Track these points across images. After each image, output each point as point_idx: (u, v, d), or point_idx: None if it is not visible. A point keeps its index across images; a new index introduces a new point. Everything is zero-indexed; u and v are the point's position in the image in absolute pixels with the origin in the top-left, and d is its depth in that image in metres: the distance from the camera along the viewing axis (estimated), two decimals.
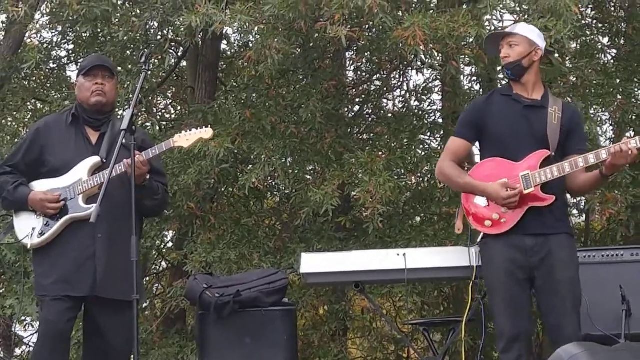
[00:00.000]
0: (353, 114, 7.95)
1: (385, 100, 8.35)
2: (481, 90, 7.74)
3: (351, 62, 8.10)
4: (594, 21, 7.44)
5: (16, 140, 7.73)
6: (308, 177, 7.17)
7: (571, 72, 6.59)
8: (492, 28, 5.88)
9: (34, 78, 8.26)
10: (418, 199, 7.38)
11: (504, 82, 4.27)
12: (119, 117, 4.29)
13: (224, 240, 6.78)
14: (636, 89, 7.08)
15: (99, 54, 6.25)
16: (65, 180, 4.08)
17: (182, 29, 6.43)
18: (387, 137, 7.23)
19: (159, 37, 7.13)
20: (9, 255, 6.70)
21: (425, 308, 7.92)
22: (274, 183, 7.64)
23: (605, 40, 7.48)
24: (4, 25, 7.91)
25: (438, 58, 6.44)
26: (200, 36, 6.43)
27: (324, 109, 6.63)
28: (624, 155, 3.82)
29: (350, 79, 8.20)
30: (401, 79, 8.11)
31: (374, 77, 8.13)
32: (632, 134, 6.70)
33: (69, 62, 8.26)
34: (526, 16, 5.91)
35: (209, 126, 4.23)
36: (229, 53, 8.93)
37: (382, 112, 8.06)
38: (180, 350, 7.12)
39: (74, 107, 4.23)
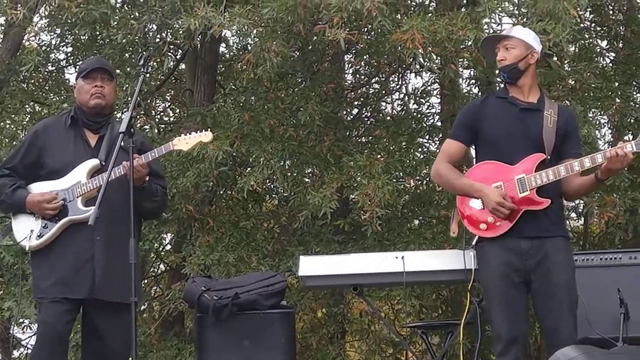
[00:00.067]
0: (352, 116, 7.95)
1: (383, 103, 8.36)
2: (480, 94, 7.73)
3: (350, 65, 8.10)
4: (593, 24, 7.44)
5: (14, 142, 7.73)
6: (307, 180, 7.17)
7: (570, 76, 6.59)
8: (491, 31, 5.88)
9: (33, 81, 8.25)
10: (416, 202, 7.38)
11: (502, 85, 4.27)
12: (117, 119, 4.28)
13: (222, 242, 6.77)
14: (635, 92, 7.09)
15: (98, 57, 6.24)
16: (64, 183, 4.08)
17: (181, 32, 6.42)
18: (386, 140, 7.23)
19: (157, 40, 7.13)
20: (7, 257, 6.70)
21: (424, 311, 7.92)
22: (272, 186, 7.64)
23: (604, 44, 7.49)
24: (3, 27, 7.91)
25: (437, 61, 6.45)
26: (198, 39, 6.43)
27: (323, 111, 6.63)
28: (619, 159, 3.83)
29: (349, 81, 8.20)
30: (400, 82, 8.12)
31: (373, 80, 8.13)
32: (631, 137, 6.71)
33: (67, 64, 8.25)
34: (525, 19, 5.92)
35: (209, 129, 4.24)
36: (227, 56, 8.93)
37: (381, 115, 8.06)
38: (178, 353, 7.11)
39: (72, 109, 4.24)
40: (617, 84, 6.85)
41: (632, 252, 4.75)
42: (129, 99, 6.32)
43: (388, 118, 7.88)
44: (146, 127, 7.64)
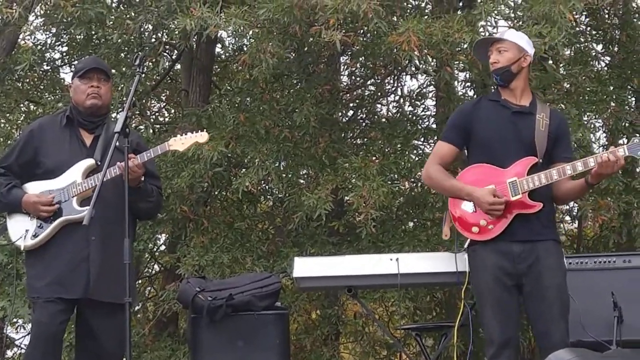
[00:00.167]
0: (347, 118, 7.96)
1: (379, 105, 8.36)
2: (475, 96, 7.75)
3: (345, 66, 8.10)
4: (588, 28, 7.46)
5: (9, 142, 7.70)
6: (301, 181, 7.17)
7: (565, 79, 6.61)
8: (487, 34, 5.89)
9: (28, 80, 8.23)
10: (411, 204, 7.38)
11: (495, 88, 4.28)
12: (113, 119, 4.28)
13: (217, 243, 6.77)
14: (629, 96, 7.11)
15: (94, 57, 6.23)
16: (60, 183, 4.08)
17: (177, 32, 6.42)
18: (381, 142, 7.23)
19: (153, 40, 7.13)
20: (1, 256, 6.68)
21: (418, 313, 7.92)
22: (267, 187, 7.64)
23: (599, 48, 7.51)
24: None
25: (432, 63, 6.45)
26: (194, 39, 6.42)
27: (318, 113, 6.63)
28: (611, 164, 3.83)
29: (345, 83, 8.20)
30: (395, 84, 8.12)
31: (368, 82, 8.14)
32: (625, 141, 6.72)
33: (62, 64, 8.24)
34: (520, 22, 5.93)
35: (204, 130, 4.23)
36: (223, 56, 8.93)
37: (376, 117, 8.06)
38: (172, 354, 7.10)
39: (68, 109, 4.23)
40: (612, 87, 6.87)
41: (626, 255, 4.76)
42: (125, 99, 6.30)
43: (383, 120, 7.89)
44: (141, 127, 7.64)
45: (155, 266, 9.08)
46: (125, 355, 3.76)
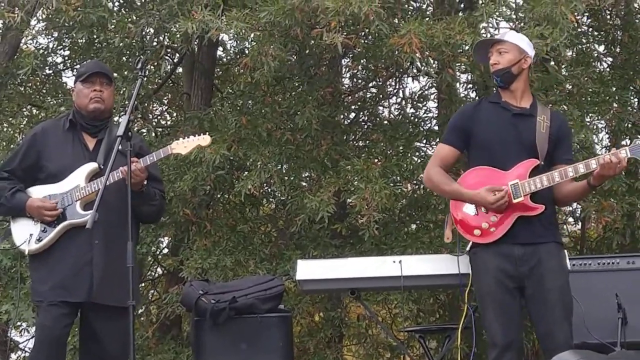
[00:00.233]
0: (349, 121, 7.96)
1: (381, 108, 8.37)
2: (477, 98, 7.75)
3: (347, 69, 8.11)
4: (590, 29, 7.46)
5: (12, 146, 7.73)
6: (304, 183, 7.17)
7: (567, 80, 6.60)
8: (488, 36, 5.89)
9: (30, 84, 8.25)
10: (414, 206, 7.38)
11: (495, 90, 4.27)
12: (115, 123, 4.28)
13: (219, 246, 6.77)
14: (632, 97, 7.11)
15: (96, 60, 6.24)
16: (63, 187, 4.08)
17: (178, 36, 6.44)
18: (383, 144, 7.23)
19: (155, 44, 7.13)
20: (5, 260, 6.69)
21: (421, 315, 7.91)
22: (269, 190, 7.63)
23: (601, 48, 7.50)
24: (0, 30, 7.91)
25: (434, 65, 6.45)
26: (196, 43, 6.43)
27: (320, 115, 6.63)
28: (612, 166, 3.82)
29: (346, 86, 8.21)
30: (397, 86, 8.13)
31: (370, 84, 8.14)
32: (628, 142, 6.72)
33: (64, 68, 8.26)
34: (522, 24, 5.93)
35: (207, 133, 4.23)
36: (224, 60, 8.94)
37: (378, 119, 8.07)
38: (175, 357, 7.11)
39: (71, 113, 4.23)
40: (614, 88, 6.86)
41: (630, 257, 4.75)
42: (127, 102, 6.32)
43: (385, 122, 7.89)
44: (143, 130, 7.64)
45: (158, 269, 9.10)
46: (128, 358, 3.76)
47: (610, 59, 7.52)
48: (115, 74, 6.91)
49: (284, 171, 6.86)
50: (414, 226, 7.60)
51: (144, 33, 6.82)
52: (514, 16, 6.30)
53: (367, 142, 7.64)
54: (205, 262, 6.49)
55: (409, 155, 7.24)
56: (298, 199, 6.50)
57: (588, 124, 6.44)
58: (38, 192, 4.11)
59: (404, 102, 8.12)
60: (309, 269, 4.52)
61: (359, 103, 8.02)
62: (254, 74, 6.23)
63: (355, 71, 7.91)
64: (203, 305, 4.43)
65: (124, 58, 7.39)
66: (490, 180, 3.95)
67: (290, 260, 6.35)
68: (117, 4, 7.62)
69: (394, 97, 8.23)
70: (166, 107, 9.34)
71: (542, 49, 5.36)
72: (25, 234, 4.08)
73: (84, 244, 3.98)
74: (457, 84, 7.75)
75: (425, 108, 8.03)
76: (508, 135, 3.98)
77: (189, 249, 6.82)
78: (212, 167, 6.31)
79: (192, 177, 6.46)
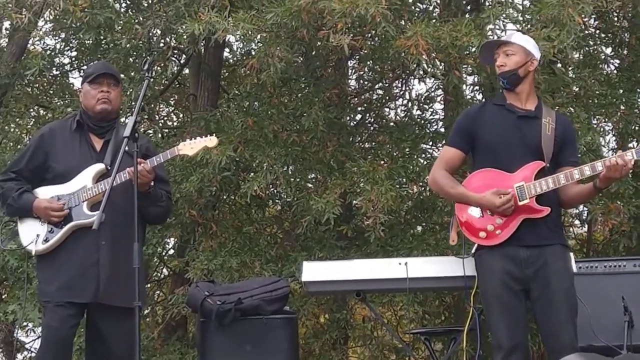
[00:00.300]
0: (355, 122, 7.96)
1: (387, 109, 8.37)
2: (484, 100, 7.74)
3: (353, 70, 8.11)
4: (597, 31, 7.44)
5: (19, 146, 7.74)
6: (310, 185, 7.17)
7: (574, 82, 6.59)
8: (495, 38, 5.88)
9: (37, 85, 8.27)
10: (420, 208, 7.37)
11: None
12: (122, 124, 4.29)
13: (225, 247, 6.78)
14: (639, 100, 7.08)
15: (104, 62, 6.24)
16: (70, 187, 4.09)
17: (185, 37, 6.44)
18: (389, 146, 7.23)
19: (161, 45, 7.14)
20: (12, 261, 6.70)
21: (426, 317, 7.91)
22: (275, 191, 7.64)
23: (609, 51, 7.49)
24: (8, 32, 7.94)
25: (440, 67, 6.44)
26: (202, 44, 6.44)
27: (326, 117, 6.63)
28: (619, 168, 3.82)
29: (353, 87, 8.21)
30: (403, 88, 8.12)
31: (376, 86, 8.14)
32: (635, 144, 6.70)
33: (72, 69, 8.29)
34: (529, 26, 5.92)
35: (214, 134, 4.23)
36: (231, 61, 8.95)
37: (384, 120, 8.07)
38: (181, 358, 7.11)
39: (78, 113, 4.24)
40: (621, 91, 6.84)
41: (637, 260, 4.73)
42: (133, 103, 6.33)
43: (391, 124, 7.89)
44: (150, 131, 7.65)
45: (164, 270, 9.11)
46: (134, 359, 3.76)
47: (618, 61, 7.50)
48: (122, 75, 6.91)
49: (290, 173, 6.86)
50: (419, 228, 7.60)
51: (150, 34, 6.83)
52: (520, 18, 6.29)
53: (373, 143, 7.63)
54: (211, 264, 6.49)
55: (415, 157, 7.24)
56: (304, 200, 6.50)
57: (595, 126, 6.42)
58: (45, 193, 4.12)
59: (410, 104, 8.12)
60: (314, 271, 4.52)
61: (365, 105, 8.02)
62: (260, 75, 6.23)
63: (362, 73, 7.91)
64: (209, 306, 4.43)
65: (130, 59, 7.41)
66: (496, 183, 3.94)
67: (296, 262, 6.35)
68: (124, 5, 7.64)
69: (400, 99, 8.24)
70: (173, 108, 9.35)
71: (549, 51, 5.35)
72: (32, 235, 4.09)
73: (90, 244, 3.99)
74: (464, 86, 7.75)
75: (431, 110, 8.03)
76: (513, 138, 3.98)
77: (194, 250, 6.82)
78: (218, 169, 6.32)
79: (199, 178, 6.47)
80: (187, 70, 8.58)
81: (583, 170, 3.89)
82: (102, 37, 7.15)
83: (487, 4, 7.12)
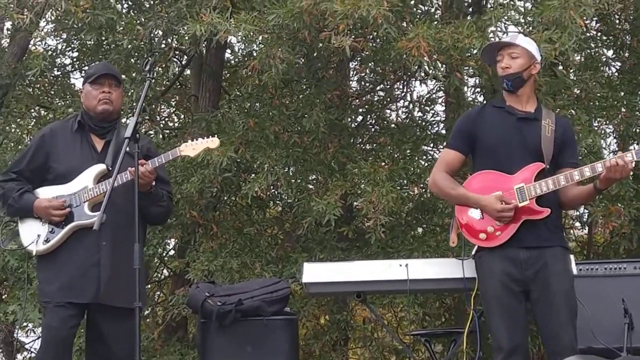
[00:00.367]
0: (356, 124, 7.96)
1: (388, 111, 8.37)
2: (485, 102, 7.74)
3: (355, 72, 8.11)
4: (599, 34, 7.44)
5: (20, 147, 7.75)
6: (311, 186, 7.17)
7: (575, 85, 6.59)
8: (497, 40, 5.88)
9: (38, 85, 8.28)
10: (420, 210, 7.37)
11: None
12: (123, 124, 4.29)
13: (226, 248, 6.78)
14: None
15: (105, 62, 6.25)
16: (71, 188, 4.09)
17: (187, 38, 6.45)
18: (390, 147, 7.23)
19: (163, 46, 7.14)
20: (12, 261, 6.71)
21: (427, 319, 7.91)
22: (276, 192, 7.65)
23: (610, 53, 7.49)
24: (9, 32, 7.94)
25: (442, 69, 6.44)
26: (204, 45, 6.44)
27: (327, 118, 6.64)
28: (619, 169, 3.82)
29: (354, 89, 8.21)
30: (405, 90, 8.12)
31: (378, 88, 8.14)
32: (636, 146, 6.69)
33: (73, 69, 8.29)
34: (530, 28, 5.92)
35: (215, 135, 4.24)
36: (232, 62, 8.96)
37: (386, 122, 8.07)
38: (181, 358, 7.12)
39: (79, 114, 4.25)
40: (622, 93, 6.84)
41: (637, 262, 4.74)
42: (135, 104, 6.33)
43: (393, 125, 7.89)
44: (151, 132, 7.65)
45: (165, 271, 9.11)
46: None
47: (619, 64, 7.50)
48: (123, 76, 6.93)
49: (291, 174, 6.87)
50: (420, 230, 7.60)
51: (152, 35, 6.83)
52: (522, 20, 6.29)
53: (374, 145, 7.63)
54: (212, 264, 6.50)
55: (416, 158, 7.24)
56: (305, 201, 6.50)
57: (596, 128, 6.43)
58: (46, 193, 4.13)
59: (411, 106, 8.12)
60: (315, 272, 4.52)
61: (367, 106, 8.02)
62: (261, 76, 6.24)
63: (363, 74, 7.91)
64: (209, 307, 4.43)
65: (132, 60, 7.41)
66: (496, 184, 3.95)
67: (297, 263, 6.35)
68: (125, 6, 7.65)
69: (402, 101, 8.24)
70: (174, 109, 9.36)
71: (551, 53, 5.35)
72: (33, 235, 4.09)
73: (91, 245, 3.99)
74: (465, 88, 7.75)
75: (432, 111, 8.04)
76: (513, 139, 3.98)
77: (195, 251, 6.82)
78: (219, 170, 6.32)
79: (199, 179, 6.47)
80: (188, 71, 8.59)
81: (583, 171, 3.89)
82: (103, 38, 7.15)
83: (488, 6, 7.12)
